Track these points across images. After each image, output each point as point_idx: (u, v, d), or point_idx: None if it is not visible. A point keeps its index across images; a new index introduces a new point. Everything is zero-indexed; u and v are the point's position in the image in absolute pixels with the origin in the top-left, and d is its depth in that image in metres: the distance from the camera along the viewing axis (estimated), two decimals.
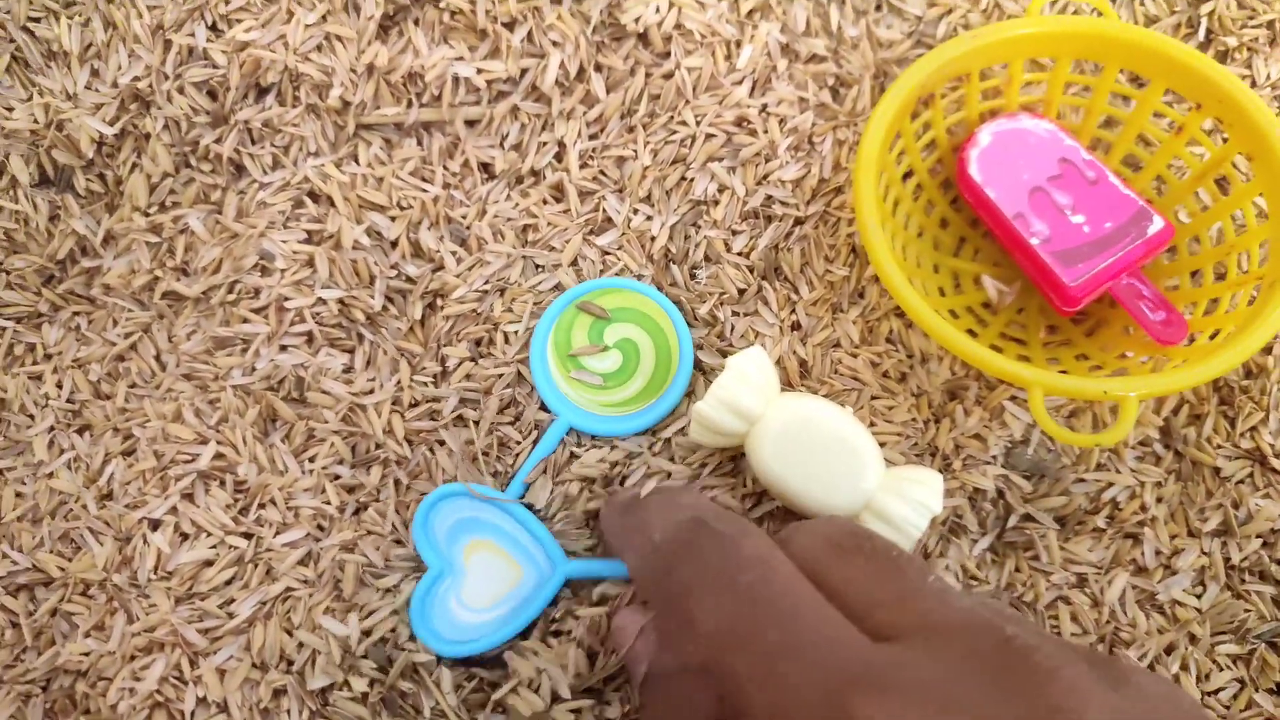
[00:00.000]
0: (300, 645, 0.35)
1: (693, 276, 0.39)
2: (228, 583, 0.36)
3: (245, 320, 0.39)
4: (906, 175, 0.40)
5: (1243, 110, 0.35)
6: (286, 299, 0.38)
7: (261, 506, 0.37)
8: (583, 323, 0.38)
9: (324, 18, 0.39)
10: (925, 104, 0.39)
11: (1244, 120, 0.35)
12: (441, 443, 0.37)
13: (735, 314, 0.39)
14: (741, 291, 0.39)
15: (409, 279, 0.39)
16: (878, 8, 0.42)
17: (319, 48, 0.39)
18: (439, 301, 0.39)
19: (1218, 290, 0.37)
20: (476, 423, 0.37)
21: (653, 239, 0.40)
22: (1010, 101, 0.39)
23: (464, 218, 0.40)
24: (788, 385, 0.38)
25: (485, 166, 0.41)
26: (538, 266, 0.39)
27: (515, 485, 0.37)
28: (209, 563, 0.36)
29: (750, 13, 0.41)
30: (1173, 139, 0.39)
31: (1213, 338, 0.36)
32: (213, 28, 0.40)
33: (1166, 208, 0.40)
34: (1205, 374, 0.32)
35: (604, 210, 0.40)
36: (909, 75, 0.36)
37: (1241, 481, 0.38)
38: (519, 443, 0.37)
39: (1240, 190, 0.37)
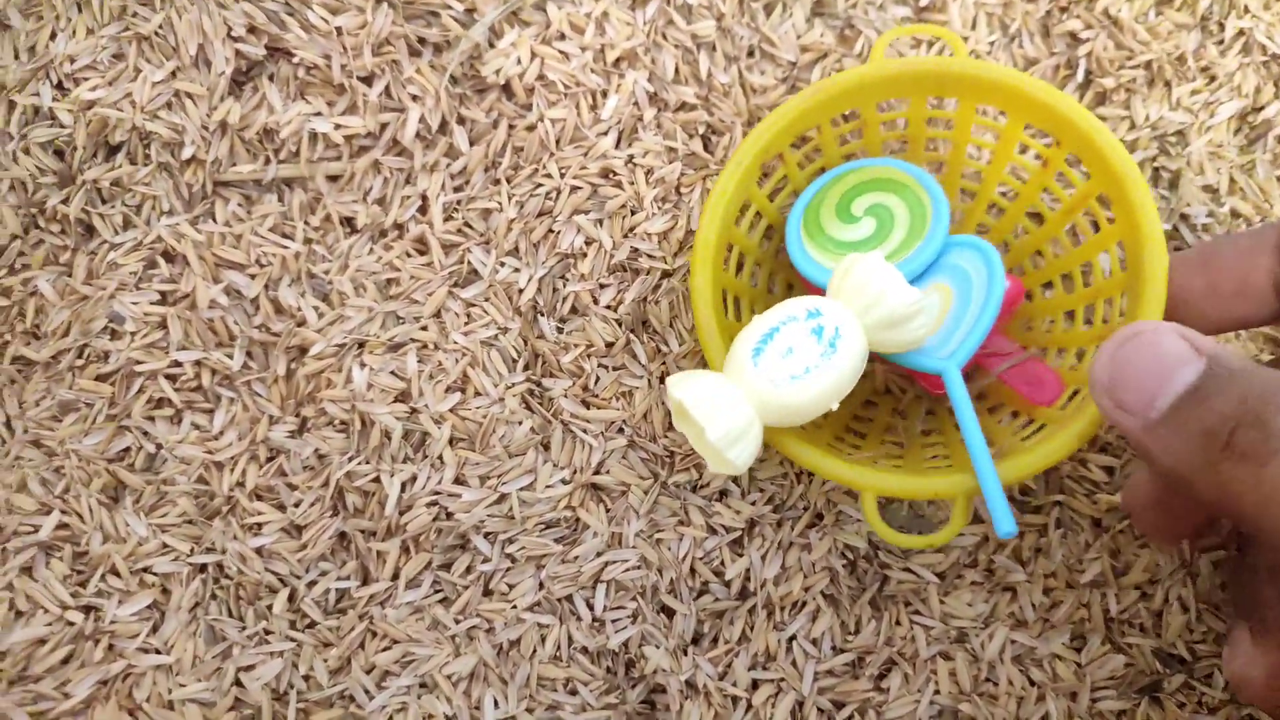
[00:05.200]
0: None
1: (560, 330, 0.39)
2: (64, 662, 0.34)
3: (92, 386, 0.37)
4: (769, 232, 0.38)
5: (1094, 146, 0.33)
6: (137, 363, 0.37)
7: (103, 578, 0.35)
8: (829, 203, 0.36)
9: (173, 74, 0.39)
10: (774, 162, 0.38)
11: (1098, 158, 0.33)
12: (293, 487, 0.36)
13: (603, 366, 0.38)
14: (610, 344, 0.38)
15: (273, 333, 0.38)
16: (750, 54, 0.42)
17: (168, 105, 0.38)
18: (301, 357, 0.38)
19: (1083, 339, 0.36)
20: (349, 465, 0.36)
21: (520, 291, 0.39)
22: (870, 145, 0.38)
23: (326, 273, 0.39)
24: (652, 438, 0.37)
25: (348, 221, 0.40)
26: (399, 319, 0.38)
27: None
28: (42, 641, 0.35)
29: (617, 61, 0.40)
30: (1041, 172, 0.37)
31: (1073, 396, 0.34)
32: (58, 86, 0.39)
33: (1043, 239, 0.38)
34: (1036, 463, 0.31)
35: (469, 263, 0.39)
36: (749, 144, 0.35)
37: (1121, 531, 0.37)
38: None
39: (1106, 232, 0.35)
